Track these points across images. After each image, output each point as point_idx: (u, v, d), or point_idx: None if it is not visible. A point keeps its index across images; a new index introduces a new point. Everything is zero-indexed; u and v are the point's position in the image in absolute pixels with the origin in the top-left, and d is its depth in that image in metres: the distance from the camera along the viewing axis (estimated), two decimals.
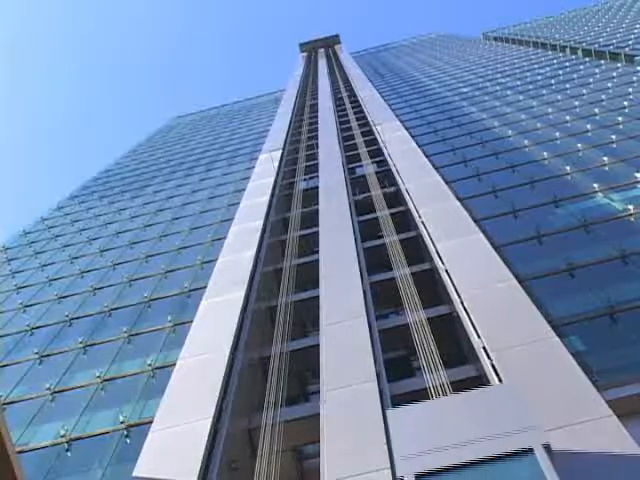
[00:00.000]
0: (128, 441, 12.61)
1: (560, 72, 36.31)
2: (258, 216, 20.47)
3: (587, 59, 38.97)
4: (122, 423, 13.00)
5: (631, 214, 15.55)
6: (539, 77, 36.41)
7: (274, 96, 62.81)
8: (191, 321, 14.62)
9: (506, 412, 7.13)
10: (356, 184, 23.46)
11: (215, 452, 9.73)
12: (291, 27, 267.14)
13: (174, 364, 12.84)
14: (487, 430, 6.85)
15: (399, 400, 10.43)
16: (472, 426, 6.99)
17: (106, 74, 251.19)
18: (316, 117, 37.94)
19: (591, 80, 31.91)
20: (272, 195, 23.09)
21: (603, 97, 27.49)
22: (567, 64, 38.47)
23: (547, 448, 6.80)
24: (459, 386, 10.52)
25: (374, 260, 16.52)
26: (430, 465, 6.58)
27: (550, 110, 27.62)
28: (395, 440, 7.21)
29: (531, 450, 6.69)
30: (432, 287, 14.29)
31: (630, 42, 38.41)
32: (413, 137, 26.22)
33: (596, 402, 8.31)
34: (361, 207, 20.94)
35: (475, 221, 15.66)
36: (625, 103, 25.45)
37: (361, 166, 25.68)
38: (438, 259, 13.92)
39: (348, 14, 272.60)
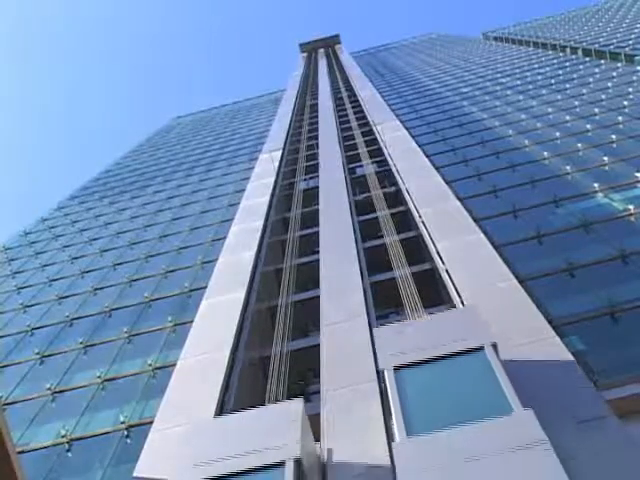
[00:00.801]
0: (129, 441, 12.62)
1: (560, 72, 36.32)
2: (258, 216, 20.48)
3: (587, 59, 38.98)
4: (123, 423, 13.01)
5: (631, 214, 15.55)
6: (539, 77, 36.42)
7: (274, 96, 62.83)
8: (191, 321, 14.63)
9: (465, 324, 9.01)
10: (356, 184, 23.47)
11: None
12: (291, 27, 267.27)
13: (174, 364, 12.84)
14: (451, 336, 8.72)
15: None
16: (441, 334, 8.92)
17: (106, 74, 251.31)
18: (316, 117, 37.96)
19: (591, 80, 31.91)
20: (272, 195, 23.10)
21: (603, 97, 27.49)
22: (567, 64, 38.48)
23: (494, 346, 8.37)
24: None
25: (374, 260, 16.52)
26: (404, 361, 8.46)
27: (550, 110, 27.63)
28: (379, 347, 9.00)
29: (482, 348, 8.34)
30: (432, 287, 14.30)
31: (630, 42, 38.41)
32: (413, 137, 26.22)
33: (596, 402, 8.32)
34: (361, 207, 20.94)
35: (475, 221, 15.66)
36: (625, 103, 25.45)
37: (361, 166, 25.69)
38: (438, 259, 13.93)
39: (348, 14, 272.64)
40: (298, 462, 7.56)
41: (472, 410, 7.08)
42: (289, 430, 8.00)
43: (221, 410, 10.66)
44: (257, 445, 7.86)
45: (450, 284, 12.63)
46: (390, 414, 7.81)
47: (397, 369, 8.33)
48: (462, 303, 11.67)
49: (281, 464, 7.50)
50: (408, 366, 8.36)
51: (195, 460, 7.89)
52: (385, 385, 8.36)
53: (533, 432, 6.57)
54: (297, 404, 8.58)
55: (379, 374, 8.89)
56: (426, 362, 8.36)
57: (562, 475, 6.00)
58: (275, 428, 8.13)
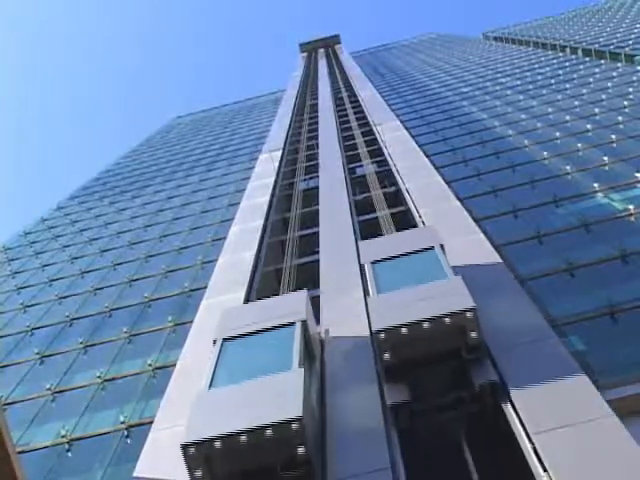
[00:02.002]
0: (129, 441, 12.62)
1: (560, 72, 36.32)
2: (258, 216, 20.47)
3: (587, 59, 38.98)
4: (123, 423, 13.01)
5: (631, 214, 15.55)
6: (539, 77, 36.43)
7: (274, 96, 62.82)
8: (191, 321, 14.63)
9: (424, 235, 12.32)
10: (356, 184, 23.45)
11: None
12: (291, 27, 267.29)
13: (175, 364, 12.83)
14: (414, 241, 12.12)
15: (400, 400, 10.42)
16: (406, 241, 12.27)
17: (106, 74, 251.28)
18: (316, 117, 37.95)
19: (591, 80, 31.92)
20: (272, 195, 23.09)
21: (603, 97, 27.50)
22: (567, 64, 38.48)
23: (442, 246, 11.57)
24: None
25: None
26: (378, 257, 11.86)
27: (550, 110, 27.64)
28: (362, 253, 12.34)
29: (432, 247, 11.54)
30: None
31: (630, 42, 38.41)
32: (413, 137, 26.22)
33: (596, 402, 8.32)
34: (361, 207, 20.93)
35: (475, 221, 15.66)
36: (625, 103, 25.46)
37: (361, 166, 25.67)
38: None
39: (348, 14, 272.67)
40: (304, 323, 10.18)
41: (423, 279, 10.40)
42: (297, 304, 10.83)
43: None
44: (274, 315, 10.58)
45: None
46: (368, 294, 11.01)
47: (373, 263, 11.78)
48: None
49: (292, 324, 10.16)
50: (381, 260, 11.82)
51: (226, 328, 10.60)
52: (365, 274, 11.69)
53: (459, 288, 9.78)
54: (302, 292, 11.42)
55: (362, 272, 12.53)
56: (393, 258, 11.79)
57: (468, 298, 9.39)
58: (287, 305, 10.93)
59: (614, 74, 31.70)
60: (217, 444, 7.77)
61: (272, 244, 19.29)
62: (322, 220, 18.75)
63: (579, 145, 21.68)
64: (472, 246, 13.58)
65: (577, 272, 13.57)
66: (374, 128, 29.28)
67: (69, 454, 12.94)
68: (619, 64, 34.40)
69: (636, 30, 43.06)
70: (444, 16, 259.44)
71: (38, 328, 19.83)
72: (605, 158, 19.52)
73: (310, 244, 19.37)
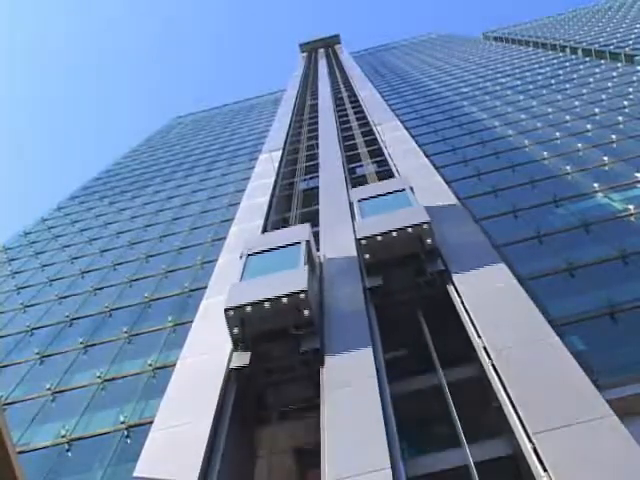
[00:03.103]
0: (129, 441, 12.63)
1: (560, 72, 36.32)
2: (258, 216, 20.46)
3: (587, 59, 38.97)
4: (123, 423, 13.01)
5: (631, 214, 15.55)
6: (539, 77, 36.43)
7: (274, 96, 62.81)
8: (191, 321, 14.63)
9: (400, 182, 16.55)
10: (356, 184, 23.42)
11: (215, 452, 9.74)
12: (291, 27, 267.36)
13: (174, 364, 12.84)
14: (392, 186, 16.21)
15: (400, 400, 10.44)
16: (386, 186, 16.23)
17: (106, 74, 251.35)
18: (316, 117, 37.92)
19: (591, 80, 31.91)
20: (272, 195, 23.09)
21: (603, 97, 27.49)
22: (567, 64, 38.48)
23: (412, 189, 15.52)
24: (459, 386, 10.53)
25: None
26: (364, 196, 15.83)
27: (550, 110, 27.64)
28: (351, 196, 16.59)
29: (403, 190, 15.39)
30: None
31: (630, 42, 38.41)
32: (413, 137, 26.22)
33: (596, 402, 8.32)
34: None
35: (475, 221, 15.66)
36: (625, 103, 25.45)
37: (361, 166, 25.65)
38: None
39: (348, 14, 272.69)
40: (308, 242, 13.50)
41: (396, 208, 14.04)
42: (302, 232, 14.28)
43: (221, 410, 10.66)
44: (285, 239, 14.15)
45: (450, 284, 12.63)
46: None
47: (360, 200, 15.61)
48: (462, 303, 11.65)
49: (299, 243, 13.53)
50: (366, 199, 15.56)
51: (249, 248, 14.33)
52: (353, 209, 15.51)
53: (420, 211, 13.59)
54: (306, 224, 15.13)
55: (350, 207, 16.74)
56: (377, 196, 15.51)
57: (425, 216, 13.22)
58: (294, 232, 14.60)
59: (614, 74, 31.70)
60: (248, 309, 11.25)
61: None
62: (322, 220, 18.74)
63: (579, 145, 21.68)
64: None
65: (577, 272, 13.57)
66: (374, 128, 29.27)
67: (69, 454, 12.94)
68: (619, 64, 34.40)
69: (636, 30, 43.06)
70: (444, 16, 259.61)
71: (38, 328, 19.83)
72: (605, 158, 19.52)
73: None
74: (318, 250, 15.27)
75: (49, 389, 15.46)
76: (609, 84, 29.78)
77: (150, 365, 14.99)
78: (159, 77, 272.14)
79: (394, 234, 12.88)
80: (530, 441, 8.02)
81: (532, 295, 11.66)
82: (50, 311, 20.97)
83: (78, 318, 19.65)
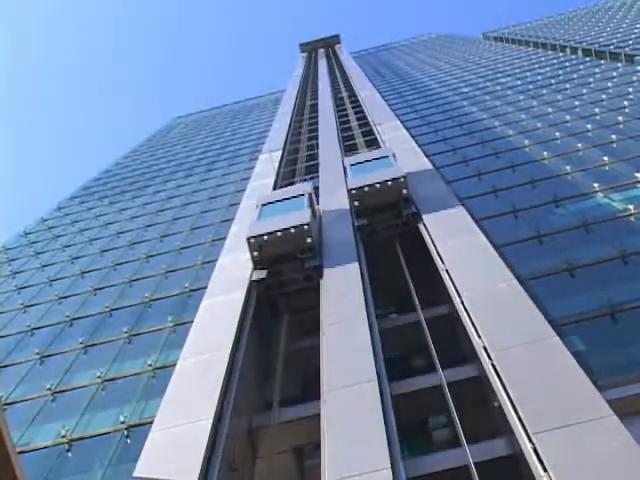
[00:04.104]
0: (129, 441, 12.63)
1: (560, 72, 36.31)
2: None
3: (587, 59, 38.96)
4: (123, 423, 13.01)
5: (631, 214, 15.55)
6: (539, 77, 36.42)
7: (274, 96, 62.79)
8: (191, 321, 14.63)
9: (384, 149, 20.38)
10: None
11: (216, 452, 9.74)
12: (291, 27, 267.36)
13: (175, 364, 12.84)
14: (377, 155, 19.53)
15: (400, 400, 10.45)
16: (373, 154, 19.84)
17: (106, 73, 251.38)
18: (316, 117, 37.91)
19: (591, 80, 31.90)
20: None
21: (603, 97, 27.48)
22: (567, 64, 38.47)
23: (394, 156, 18.71)
24: (459, 386, 10.54)
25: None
26: (356, 161, 19.50)
27: (550, 110, 27.63)
28: (345, 162, 20.15)
29: (387, 156, 18.69)
30: (432, 286, 14.29)
31: (630, 42, 38.40)
32: (413, 137, 26.21)
33: (596, 402, 8.32)
34: None
35: (475, 221, 15.66)
36: (625, 103, 25.45)
37: None
38: (438, 259, 13.93)
39: (348, 14, 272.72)
40: (310, 194, 17.14)
41: (380, 169, 17.60)
42: (305, 187, 18.07)
43: (221, 410, 10.66)
44: (291, 192, 17.93)
45: (450, 284, 12.63)
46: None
47: (351, 165, 19.12)
48: (462, 303, 11.69)
49: (302, 195, 17.13)
50: (356, 164, 19.14)
51: (262, 200, 17.92)
52: (346, 171, 19.17)
53: (399, 169, 17.14)
54: (308, 182, 19.66)
55: (345, 172, 19.67)
56: (365, 161, 19.04)
57: (402, 171, 16.89)
58: (299, 188, 18.63)
59: (614, 74, 31.69)
60: (265, 237, 15.02)
61: None
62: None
63: (579, 145, 21.68)
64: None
65: (577, 272, 13.57)
66: (374, 128, 29.27)
67: (69, 454, 12.94)
68: (619, 64, 34.39)
69: (636, 30, 43.05)
70: (444, 16, 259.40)
71: (38, 328, 19.83)
72: (605, 158, 19.52)
73: None
74: (318, 204, 18.73)
75: (49, 389, 15.46)
76: (609, 84, 29.77)
77: (150, 365, 14.99)
78: (159, 77, 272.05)
79: (378, 185, 16.57)
80: (530, 441, 8.02)
81: (532, 295, 11.66)
82: (50, 311, 20.97)
83: (78, 318, 19.65)
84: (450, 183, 19.56)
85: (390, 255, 16.05)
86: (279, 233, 14.87)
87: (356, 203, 16.82)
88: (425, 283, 14.15)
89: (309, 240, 14.86)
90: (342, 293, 13.39)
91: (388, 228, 16.66)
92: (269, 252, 15.01)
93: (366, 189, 16.57)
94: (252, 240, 15.04)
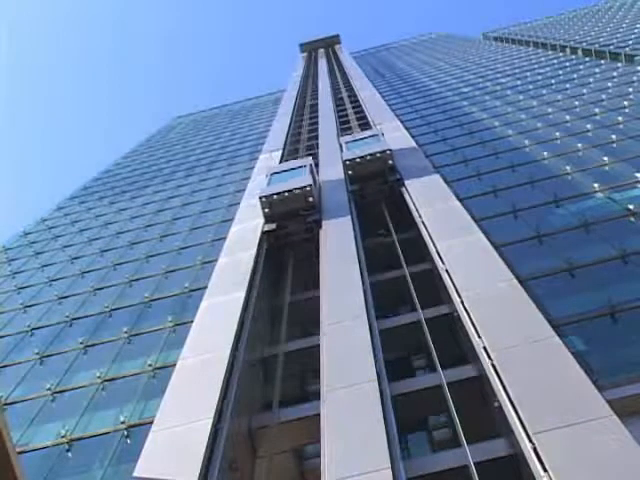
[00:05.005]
0: (129, 441, 12.62)
1: (560, 72, 36.30)
2: (258, 216, 20.46)
3: (587, 59, 38.95)
4: (123, 423, 13.00)
5: (631, 214, 15.54)
6: (539, 77, 36.41)
7: (274, 96, 62.75)
8: (191, 321, 14.63)
9: (374, 129, 24.86)
10: None
11: (216, 452, 9.74)
12: (291, 27, 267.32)
13: (174, 364, 12.84)
14: (369, 134, 23.28)
15: (400, 400, 10.45)
16: (364, 135, 23.82)
17: (106, 73, 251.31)
18: (316, 117, 37.91)
19: (591, 80, 31.90)
20: None
21: (603, 97, 27.48)
22: (567, 64, 38.46)
23: (382, 134, 22.39)
24: (459, 386, 10.54)
25: (375, 260, 16.53)
26: (351, 139, 23.14)
27: (550, 110, 27.62)
28: (341, 141, 23.25)
29: (377, 135, 22.38)
30: (432, 287, 14.30)
31: (630, 42, 38.39)
32: (413, 137, 26.21)
33: (596, 402, 8.32)
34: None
35: (475, 221, 15.65)
36: (625, 103, 25.44)
37: None
38: (438, 259, 13.93)
39: (348, 14, 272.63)
40: (311, 165, 20.23)
41: (370, 144, 21.22)
42: (306, 160, 21.25)
43: (221, 410, 10.66)
44: (294, 165, 21.19)
45: (450, 284, 12.64)
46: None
47: (346, 142, 22.21)
48: (462, 303, 11.68)
49: (304, 166, 20.29)
50: (351, 141, 22.18)
51: (271, 170, 21.26)
52: (342, 146, 22.09)
53: (386, 144, 20.92)
54: (309, 157, 22.25)
55: (341, 147, 22.68)
56: (358, 139, 22.33)
57: (389, 145, 20.79)
58: (301, 161, 21.74)
59: (614, 74, 31.68)
60: (275, 196, 18.42)
61: None
62: (322, 219, 18.75)
63: (579, 145, 21.67)
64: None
65: (577, 272, 13.56)
66: (374, 128, 29.26)
67: (69, 454, 12.93)
68: (619, 64, 34.38)
69: (636, 30, 43.04)
70: (444, 16, 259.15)
71: (38, 328, 19.82)
72: (605, 158, 19.51)
73: None
74: (318, 175, 21.68)
75: (49, 389, 15.45)
76: (609, 84, 29.76)
77: (150, 365, 14.98)
78: (159, 77, 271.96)
79: (368, 157, 19.97)
80: (530, 441, 8.02)
81: (532, 295, 11.67)
82: (50, 311, 20.96)
83: (78, 318, 19.64)
84: (450, 183, 19.56)
85: (377, 215, 19.14)
86: (286, 193, 18.31)
87: (350, 172, 20.25)
88: (408, 241, 16.62)
89: (311, 199, 18.27)
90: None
91: (376, 192, 19.96)
92: (278, 209, 18.35)
93: (358, 160, 20.01)
94: (264, 199, 18.40)
